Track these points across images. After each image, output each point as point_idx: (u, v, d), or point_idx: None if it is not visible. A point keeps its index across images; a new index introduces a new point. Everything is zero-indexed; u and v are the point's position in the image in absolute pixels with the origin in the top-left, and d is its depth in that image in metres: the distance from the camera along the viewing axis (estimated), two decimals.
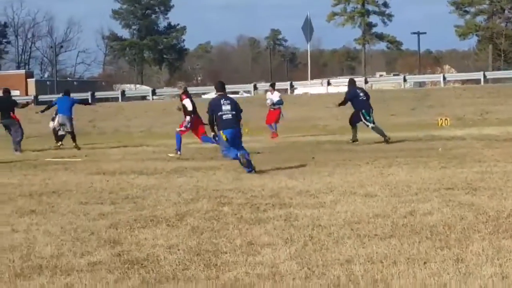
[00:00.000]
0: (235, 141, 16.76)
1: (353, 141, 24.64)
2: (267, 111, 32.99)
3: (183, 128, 23.41)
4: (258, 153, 21.36)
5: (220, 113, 16.80)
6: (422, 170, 14.81)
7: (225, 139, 16.54)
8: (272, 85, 34.73)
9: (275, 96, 33.15)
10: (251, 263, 7.25)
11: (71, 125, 28.17)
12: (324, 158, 18.72)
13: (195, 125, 23.05)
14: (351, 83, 27.75)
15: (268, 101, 33.11)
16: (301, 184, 13.42)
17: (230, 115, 16.86)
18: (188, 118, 22.77)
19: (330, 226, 9.08)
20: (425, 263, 7.04)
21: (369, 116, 24.62)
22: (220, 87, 18.11)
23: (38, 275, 7.06)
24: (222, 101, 17.16)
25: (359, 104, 24.88)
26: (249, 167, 16.02)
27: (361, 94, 25.48)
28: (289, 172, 15.39)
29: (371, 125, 24.74)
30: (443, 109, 37.92)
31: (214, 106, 17.04)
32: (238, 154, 16.13)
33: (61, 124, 28.53)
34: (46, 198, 12.58)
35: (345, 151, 21.45)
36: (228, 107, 17.04)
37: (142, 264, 7.34)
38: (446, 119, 32.23)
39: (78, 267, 7.33)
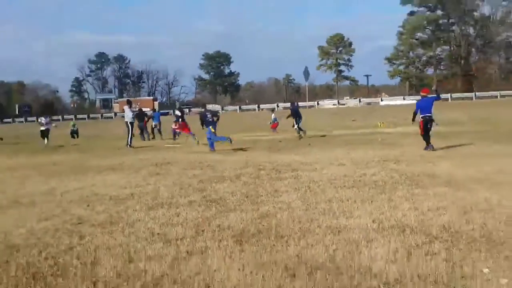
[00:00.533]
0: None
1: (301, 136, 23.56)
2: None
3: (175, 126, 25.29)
4: (280, 141, 21.33)
5: (207, 118, 17.89)
6: (370, 151, 14.81)
7: (212, 131, 17.59)
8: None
9: (273, 115, 32.97)
10: (276, 201, 7.40)
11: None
12: (314, 144, 18.73)
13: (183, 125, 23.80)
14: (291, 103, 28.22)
15: (272, 118, 32.84)
16: (303, 158, 13.51)
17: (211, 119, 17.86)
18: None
19: (319, 181, 9.18)
20: (372, 201, 7.16)
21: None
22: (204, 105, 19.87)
23: (161, 207, 7.24)
24: (207, 113, 18.40)
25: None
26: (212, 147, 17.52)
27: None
28: (296, 152, 15.47)
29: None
30: (381, 118, 37.68)
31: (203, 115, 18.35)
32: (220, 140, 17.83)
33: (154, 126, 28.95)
34: (164, 166, 12.75)
35: (326, 141, 21.38)
36: (210, 115, 18.11)
37: (217, 202, 7.50)
38: (382, 123, 32.11)
39: (182, 203, 7.50)
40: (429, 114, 15.09)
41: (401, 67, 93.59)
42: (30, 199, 8.35)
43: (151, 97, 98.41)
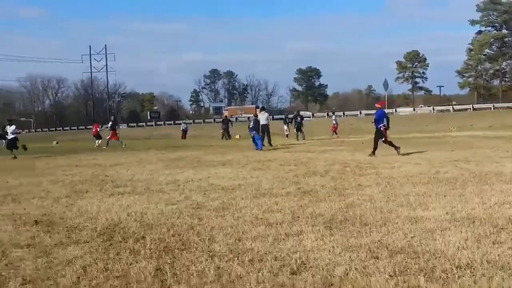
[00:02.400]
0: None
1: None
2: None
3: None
4: (362, 143, 20.88)
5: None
6: (442, 152, 14.14)
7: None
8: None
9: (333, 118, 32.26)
10: (360, 194, 7.27)
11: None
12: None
13: None
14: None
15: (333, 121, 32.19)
16: (382, 157, 13.15)
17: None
18: None
19: (397, 177, 8.91)
20: (445, 196, 6.85)
21: None
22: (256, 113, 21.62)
23: (263, 197, 7.33)
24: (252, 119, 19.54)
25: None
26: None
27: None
28: (376, 153, 15.08)
29: None
30: (452, 123, 35.78)
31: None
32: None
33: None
34: (265, 162, 12.89)
35: (402, 143, 20.62)
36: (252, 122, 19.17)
37: (309, 193, 7.48)
38: (453, 127, 30.57)
39: (280, 194, 7.55)
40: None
41: (470, 79, 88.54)
42: (159, 187, 8.76)
43: (254, 105, 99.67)
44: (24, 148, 20.22)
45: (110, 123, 26.76)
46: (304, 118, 30.06)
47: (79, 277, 3.77)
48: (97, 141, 28.47)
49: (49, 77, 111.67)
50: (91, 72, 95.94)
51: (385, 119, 14.50)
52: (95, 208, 6.78)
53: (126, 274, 3.83)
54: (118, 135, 26.05)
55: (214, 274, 3.78)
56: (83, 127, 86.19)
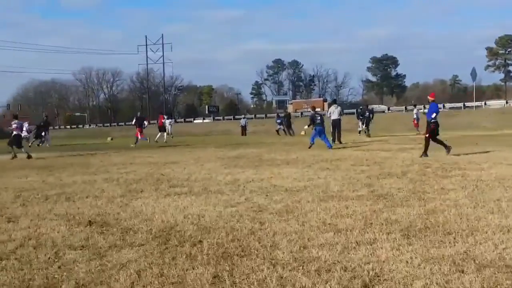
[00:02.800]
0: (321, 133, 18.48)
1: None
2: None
3: None
4: (446, 140, 20.16)
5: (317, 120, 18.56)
6: None
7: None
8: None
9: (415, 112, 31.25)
10: (443, 199, 7.03)
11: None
12: (482, 144, 17.40)
13: None
14: None
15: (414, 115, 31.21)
16: (469, 157, 12.65)
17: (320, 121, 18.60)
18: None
19: (487, 180, 8.54)
20: None
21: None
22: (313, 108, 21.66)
23: (331, 200, 7.25)
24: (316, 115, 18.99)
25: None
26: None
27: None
28: (462, 151, 14.52)
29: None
30: None
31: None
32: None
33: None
34: (333, 162, 12.78)
35: (493, 140, 19.73)
36: (319, 117, 18.72)
37: (384, 197, 7.32)
38: None
39: (351, 197, 7.45)
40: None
41: None
42: (218, 188, 8.90)
43: (321, 98, 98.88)
44: (28, 156, 18.59)
45: (134, 119, 28.03)
46: (374, 113, 29.70)
47: (133, 282, 3.90)
48: (159, 134, 30.48)
49: (104, 69, 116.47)
50: (147, 64, 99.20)
51: (434, 114, 14.03)
52: (150, 209, 7.00)
53: (182, 281, 3.91)
54: (143, 132, 27.15)
55: (277, 284, 3.79)
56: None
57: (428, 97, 15.20)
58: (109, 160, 16.72)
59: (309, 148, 17.90)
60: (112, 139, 41.00)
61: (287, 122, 35.56)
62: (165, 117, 36.30)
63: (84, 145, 30.33)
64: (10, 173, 12.94)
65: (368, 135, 27.08)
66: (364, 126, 28.39)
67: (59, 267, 4.33)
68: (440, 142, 13.85)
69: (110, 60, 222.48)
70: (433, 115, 13.84)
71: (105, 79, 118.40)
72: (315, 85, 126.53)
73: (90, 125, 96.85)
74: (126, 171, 12.26)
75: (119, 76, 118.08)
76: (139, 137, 26.56)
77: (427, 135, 13.88)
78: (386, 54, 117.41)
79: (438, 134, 13.95)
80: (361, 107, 33.97)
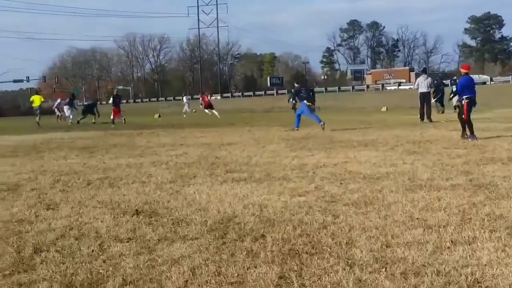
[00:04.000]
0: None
1: None
2: None
3: None
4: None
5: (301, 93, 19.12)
6: None
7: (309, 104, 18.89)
8: None
9: None
10: None
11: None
12: None
13: None
14: None
15: None
16: None
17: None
18: None
19: None
20: None
21: None
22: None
23: (420, 190, 7.12)
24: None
25: None
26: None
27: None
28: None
29: None
30: None
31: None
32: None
33: None
34: (422, 144, 12.54)
35: None
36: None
37: (486, 187, 7.12)
38: None
39: (444, 186, 7.29)
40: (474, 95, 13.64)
41: None
42: (283, 173, 8.93)
43: (407, 67, 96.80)
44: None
45: (111, 99, 30.68)
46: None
47: (186, 281, 4.00)
48: (206, 110, 31.95)
49: (150, 35, 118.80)
50: (198, 28, 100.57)
51: (466, 90, 13.70)
52: (205, 197, 7.12)
53: (242, 281, 3.97)
54: (122, 112, 29.79)
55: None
56: (189, 96, 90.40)
57: (461, 69, 14.81)
58: (157, 140, 17.13)
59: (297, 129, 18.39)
60: (159, 116, 41.94)
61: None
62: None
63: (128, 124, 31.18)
64: (48, 155, 13.52)
65: (442, 111, 27.03)
66: (436, 101, 27.91)
67: (104, 261, 4.50)
68: (467, 126, 13.54)
69: (157, 24, 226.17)
70: (466, 95, 13.71)
71: (151, 46, 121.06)
72: (399, 51, 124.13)
73: (134, 100, 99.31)
74: (176, 154, 12.52)
75: (167, 43, 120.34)
76: (115, 118, 29.10)
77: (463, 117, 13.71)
78: (489, 13, 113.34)
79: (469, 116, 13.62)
80: (437, 78, 33.45)
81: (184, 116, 40.25)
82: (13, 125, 36.35)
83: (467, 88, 13.89)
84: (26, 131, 24.94)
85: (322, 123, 17.94)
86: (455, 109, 28.56)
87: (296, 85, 20.89)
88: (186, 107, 44.60)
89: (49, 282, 4.04)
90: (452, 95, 29.27)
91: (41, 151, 14.65)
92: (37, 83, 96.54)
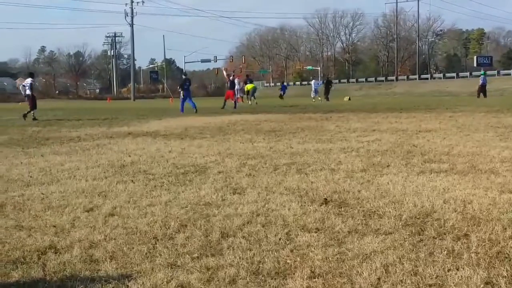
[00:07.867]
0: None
1: None
2: None
3: None
4: None
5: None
6: None
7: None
8: None
9: None
10: None
11: None
12: None
13: None
14: None
15: None
16: None
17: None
18: None
19: None
20: None
21: None
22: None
23: None
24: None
25: None
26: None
27: None
28: None
29: None
30: None
31: None
32: None
33: None
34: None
35: None
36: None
37: None
38: None
39: None
40: None
41: None
42: (490, 166, 8.54)
43: None
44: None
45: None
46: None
47: (379, 278, 3.99)
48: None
49: (343, 11, 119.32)
50: (396, 2, 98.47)
51: None
52: (399, 188, 7.03)
53: (442, 284, 3.88)
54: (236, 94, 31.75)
55: None
56: (383, 78, 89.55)
57: None
58: (347, 125, 17.22)
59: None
60: (349, 99, 42.11)
61: None
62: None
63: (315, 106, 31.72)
64: (234, 137, 14.23)
65: None
66: None
67: (291, 251, 4.65)
68: None
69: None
70: None
71: (343, 23, 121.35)
72: None
73: (323, 82, 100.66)
74: (368, 140, 12.50)
75: (361, 19, 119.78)
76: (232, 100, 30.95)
77: None
78: None
79: None
80: None
81: (313, 101, 40.72)
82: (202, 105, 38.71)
83: None
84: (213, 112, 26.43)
85: (195, 109, 17.31)
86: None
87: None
88: (313, 93, 45.33)
89: (236, 268, 4.26)
90: None
91: (227, 133, 15.45)
92: (224, 62, 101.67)
